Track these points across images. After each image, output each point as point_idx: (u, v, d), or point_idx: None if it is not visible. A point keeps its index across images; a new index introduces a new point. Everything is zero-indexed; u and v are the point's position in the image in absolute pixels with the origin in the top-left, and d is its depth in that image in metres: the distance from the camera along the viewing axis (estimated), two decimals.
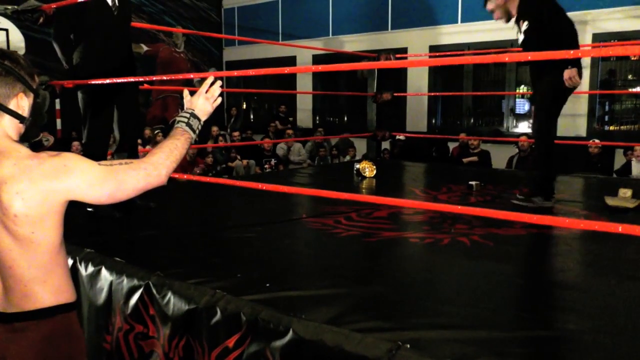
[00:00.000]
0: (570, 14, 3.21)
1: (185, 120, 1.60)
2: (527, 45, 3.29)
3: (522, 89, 8.16)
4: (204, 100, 1.67)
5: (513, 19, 3.35)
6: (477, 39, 7.85)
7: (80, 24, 2.87)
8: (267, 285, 1.92)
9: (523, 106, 8.27)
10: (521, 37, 3.33)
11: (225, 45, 11.80)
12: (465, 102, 8.62)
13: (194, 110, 1.64)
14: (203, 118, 1.66)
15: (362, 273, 2.20)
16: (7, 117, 1.40)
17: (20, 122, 1.44)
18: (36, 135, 1.57)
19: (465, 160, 7.42)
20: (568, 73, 3.08)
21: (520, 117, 8.19)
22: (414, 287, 2.04)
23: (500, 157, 7.40)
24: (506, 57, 1.92)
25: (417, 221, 3.13)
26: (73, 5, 2.80)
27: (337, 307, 1.74)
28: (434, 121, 9.00)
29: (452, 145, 8.18)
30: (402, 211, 3.29)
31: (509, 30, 3.55)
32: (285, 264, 2.32)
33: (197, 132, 1.62)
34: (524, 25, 3.26)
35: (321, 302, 1.78)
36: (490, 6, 3.34)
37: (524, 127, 8.03)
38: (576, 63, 3.13)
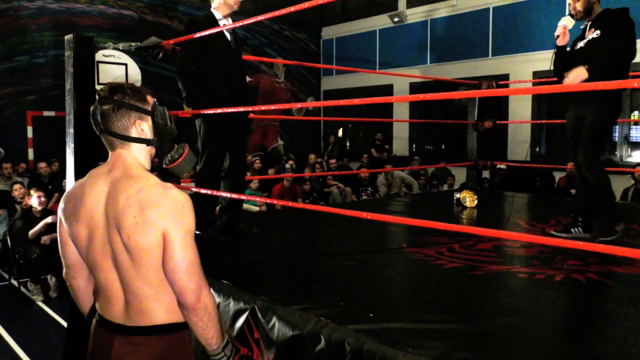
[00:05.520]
0: None
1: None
2: (585, 55, 3.05)
3: (635, 115, 7.62)
4: None
5: (586, 23, 3.16)
6: None
7: (202, 57, 3.04)
8: (371, 315, 1.90)
9: (638, 133, 7.70)
10: (581, 44, 3.14)
11: (323, 75, 12.10)
12: None
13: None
14: None
15: (469, 307, 2.11)
16: (134, 145, 1.51)
17: (148, 145, 1.53)
18: (170, 148, 1.67)
19: (573, 191, 6.98)
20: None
21: (634, 146, 7.64)
22: (526, 326, 1.92)
23: (613, 188, 6.88)
24: (635, 84, 1.76)
25: (525, 255, 2.97)
26: (196, 39, 2.97)
27: (443, 342, 1.68)
28: (537, 149, 8.60)
29: (558, 175, 7.75)
30: (507, 244, 3.15)
31: None
32: (388, 295, 2.28)
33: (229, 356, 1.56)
34: (593, 34, 3.06)
35: (427, 337, 1.73)
36: None
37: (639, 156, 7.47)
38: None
